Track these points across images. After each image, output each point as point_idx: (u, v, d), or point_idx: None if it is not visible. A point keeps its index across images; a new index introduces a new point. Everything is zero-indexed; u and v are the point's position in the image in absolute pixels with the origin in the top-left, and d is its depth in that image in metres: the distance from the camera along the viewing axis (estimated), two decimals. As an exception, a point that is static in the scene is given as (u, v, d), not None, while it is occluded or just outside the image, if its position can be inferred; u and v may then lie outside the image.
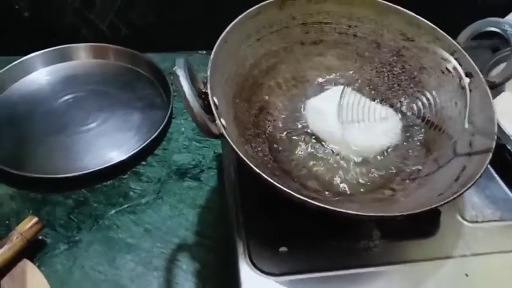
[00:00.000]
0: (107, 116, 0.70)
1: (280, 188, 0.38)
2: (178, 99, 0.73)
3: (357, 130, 0.51)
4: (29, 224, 0.52)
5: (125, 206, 0.60)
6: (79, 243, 0.55)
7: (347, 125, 0.52)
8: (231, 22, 0.49)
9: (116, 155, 0.64)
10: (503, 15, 0.79)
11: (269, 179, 0.38)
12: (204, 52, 0.82)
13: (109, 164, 0.62)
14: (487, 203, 0.53)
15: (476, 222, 0.51)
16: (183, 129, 0.70)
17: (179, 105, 0.73)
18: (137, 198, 0.61)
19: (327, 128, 0.52)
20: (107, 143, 0.67)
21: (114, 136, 0.68)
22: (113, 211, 0.59)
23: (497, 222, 0.51)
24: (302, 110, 0.55)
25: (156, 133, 0.66)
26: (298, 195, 0.38)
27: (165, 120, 0.68)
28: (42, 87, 0.74)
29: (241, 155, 0.40)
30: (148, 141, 0.65)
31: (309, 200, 0.38)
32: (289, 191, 0.38)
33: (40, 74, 0.75)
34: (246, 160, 0.39)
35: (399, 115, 0.54)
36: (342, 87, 0.53)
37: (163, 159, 0.66)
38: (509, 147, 0.54)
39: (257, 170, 0.39)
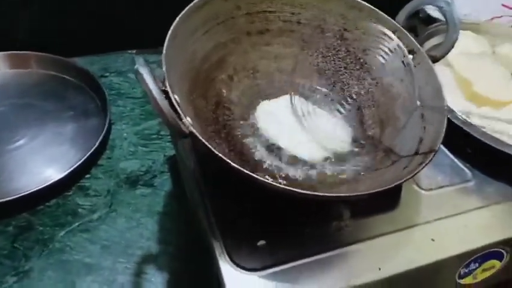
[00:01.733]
0: (37, 131, 0.64)
1: (260, 180, 0.37)
2: (114, 103, 0.69)
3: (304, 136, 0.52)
4: (-32, 260, 0.45)
5: (76, 224, 0.55)
6: (30, 273, 0.50)
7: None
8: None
9: (53, 172, 0.59)
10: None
11: (246, 171, 0.37)
12: (134, 51, 0.77)
13: (49, 182, 0.56)
14: (436, 171, 0.56)
15: (431, 189, 0.54)
16: (125, 134, 0.66)
17: (116, 109, 0.69)
18: (88, 215, 0.56)
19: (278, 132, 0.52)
20: (41, 160, 0.61)
21: (48, 151, 0.62)
22: (62, 232, 0.54)
23: (448, 187, 0.54)
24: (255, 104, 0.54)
25: (97, 142, 0.61)
26: (273, 183, 0.37)
27: (105, 127, 0.63)
28: (-46, 105, 0.65)
29: (214, 151, 0.38)
30: (89, 153, 0.60)
31: (289, 188, 0.37)
32: (271, 182, 0.37)
33: (-50, 89, 0.66)
34: (221, 155, 0.38)
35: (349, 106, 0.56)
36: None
37: (109, 169, 0.62)
38: (449, 116, 0.58)
39: (233, 165, 0.37)
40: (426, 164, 0.42)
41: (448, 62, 0.64)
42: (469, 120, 0.57)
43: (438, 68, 0.64)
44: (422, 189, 0.53)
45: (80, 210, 0.56)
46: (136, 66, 0.36)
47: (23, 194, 0.54)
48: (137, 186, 0.60)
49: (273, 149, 0.50)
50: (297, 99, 0.54)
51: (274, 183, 0.38)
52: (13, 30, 0.71)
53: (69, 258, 0.52)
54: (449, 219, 0.51)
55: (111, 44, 0.76)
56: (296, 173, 0.48)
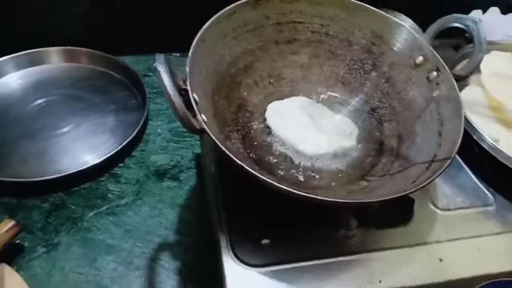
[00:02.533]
0: (81, 120, 0.70)
1: (262, 179, 0.39)
2: (153, 100, 0.74)
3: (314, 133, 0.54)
4: (5, 227, 0.51)
5: (104, 207, 0.59)
6: (58, 246, 0.55)
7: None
8: (204, 24, 0.50)
9: (92, 158, 0.64)
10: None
11: (251, 170, 0.39)
12: (178, 54, 0.82)
13: (86, 166, 0.61)
14: (457, 191, 0.55)
15: (448, 210, 0.53)
16: (160, 130, 0.71)
17: (155, 106, 0.73)
18: (116, 200, 0.60)
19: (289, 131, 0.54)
20: (82, 146, 0.66)
21: (89, 139, 0.67)
22: (91, 213, 0.59)
23: (467, 209, 0.53)
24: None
25: (133, 134, 0.66)
26: (278, 185, 0.39)
27: (141, 122, 0.68)
28: (13, 91, 0.72)
29: (222, 148, 0.40)
30: (125, 143, 0.65)
31: (288, 189, 0.39)
32: (270, 181, 0.39)
33: (11, 78, 0.74)
34: (228, 153, 0.40)
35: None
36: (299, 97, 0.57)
37: (141, 160, 0.66)
38: (475, 138, 0.57)
39: (239, 162, 0.39)
40: (432, 179, 0.42)
41: (481, 83, 0.62)
42: (497, 145, 0.55)
43: (471, 88, 0.64)
44: (438, 208, 0.53)
45: (109, 195, 0.61)
46: (155, 64, 0.39)
47: (61, 175, 0.60)
48: (164, 179, 0.64)
49: (287, 151, 0.52)
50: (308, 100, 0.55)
51: (276, 184, 0.40)
52: (70, 27, 0.78)
53: (94, 237, 0.56)
54: (461, 241, 0.50)
55: (158, 45, 0.80)
56: (306, 176, 0.50)
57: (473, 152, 0.58)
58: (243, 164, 0.39)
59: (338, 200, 0.40)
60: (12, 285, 0.49)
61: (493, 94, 0.60)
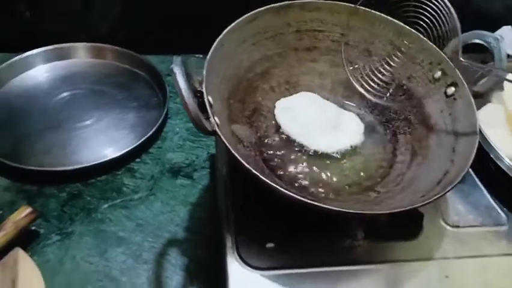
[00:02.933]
0: (103, 114, 0.72)
1: (268, 183, 0.40)
2: (173, 100, 0.75)
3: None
4: (22, 213, 0.53)
5: (118, 200, 0.61)
6: (71, 235, 0.57)
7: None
8: (227, 27, 0.51)
9: (111, 152, 0.66)
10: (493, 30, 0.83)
11: (258, 175, 0.40)
12: (201, 56, 0.83)
13: (104, 159, 0.63)
14: (469, 209, 0.54)
15: (458, 227, 0.52)
16: (178, 129, 0.72)
17: (174, 106, 0.75)
18: (130, 194, 0.62)
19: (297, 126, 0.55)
20: (102, 139, 0.68)
21: (109, 133, 0.69)
22: (106, 205, 0.60)
23: (478, 227, 0.53)
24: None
25: (151, 131, 0.67)
26: (283, 190, 0.39)
27: (160, 120, 0.69)
28: (41, 83, 0.75)
29: (232, 151, 0.41)
30: (143, 139, 0.66)
31: (294, 195, 0.39)
32: (276, 186, 0.39)
33: (39, 70, 0.77)
34: (237, 156, 0.41)
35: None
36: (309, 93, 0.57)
37: (157, 157, 0.67)
38: (492, 156, 0.56)
39: (247, 166, 0.40)
40: (440, 196, 0.42)
41: (502, 101, 0.61)
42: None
43: (492, 105, 0.63)
44: (448, 224, 0.52)
45: (124, 189, 0.63)
46: (171, 66, 0.40)
47: (80, 167, 0.62)
48: (178, 177, 0.65)
49: (298, 153, 0.52)
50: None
51: (283, 190, 0.41)
52: (99, 25, 0.81)
53: (106, 228, 0.58)
54: (469, 260, 0.49)
55: (183, 47, 0.82)
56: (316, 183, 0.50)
57: (489, 170, 0.57)
58: (250, 168, 0.40)
59: (343, 210, 0.41)
60: (25, 269, 0.51)
61: (513, 113, 0.59)
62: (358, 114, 0.58)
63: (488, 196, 0.56)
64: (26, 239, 0.55)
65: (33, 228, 0.56)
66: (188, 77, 0.44)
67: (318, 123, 0.54)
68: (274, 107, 0.56)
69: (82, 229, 0.57)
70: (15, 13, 0.77)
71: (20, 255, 0.52)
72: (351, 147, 0.54)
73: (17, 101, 0.72)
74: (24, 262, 0.51)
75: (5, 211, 0.58)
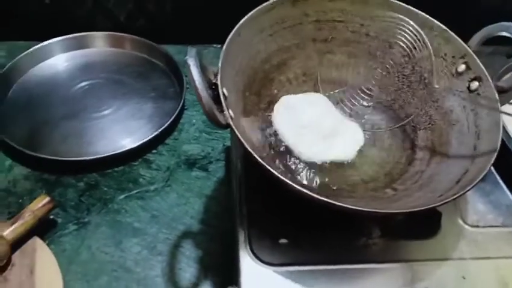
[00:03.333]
0: (121, 104, 0.72)
1: (281, 179, 0.39)
2: (190, 91, 0.75)
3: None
4: (41, 202, 0.53)
5: (135, 191, 0.61)
6: (88, 225, 0.57)
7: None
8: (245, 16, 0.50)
9: (128, 142, 0.66)
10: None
11: (271, 169, 0.39)
12: (219, 46, 0.82)
13: (121, 150, 0.64)
14: (490, 208, 0.53)
15: (477, 226, 0.51)
16: (194, 120, 0.72)
17: (191, 97, 0.75)
18: (147, 185, 0.62)
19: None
20: (120, 130, 0.69)
21: (127, 124, 0.69)
22: (122, 196, 0.61)
23: (498, 228, 0.51)
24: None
25: (168, 123, 0.67)
26: (297, 186, 0.39)
27: (177, 111, 0.69)
28: (60, 72, 0.76)
29: (245, 145, 0.41)
30: (160, 130, 0.66)
31: (307, 192, 0.39)
32: (289, 182, 0.39)
33: (58, 59, 0.77)
34: (250, 150, 0.40)
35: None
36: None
37: (173, 148, 0.68)
38: (517, 155, 0.54)
39: (259, 160, 0.40)
40: (459, 196, 0.41)
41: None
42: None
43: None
44: (467, 224, 0.51)
45: (141, 180, 0.63)
46: (186, 57, 0.40)
47: (97, 157, 0.62)
48: (194, 169, 0.65)
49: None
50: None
51: (295, 186, 0.40)
52: (117, 13, 0.80)
53: (122, 219, 0.58)
54: (488, 261, 0.48)
55: (201, 36, 0.82)
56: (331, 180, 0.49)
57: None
58: (263, 162, 0.40)
59: (357, 208, 0.40)
60: (42, 258, 0.52)
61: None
62: (376, 107, 0.57)
63: (510, 195, 0.54)
64: (44, 228, 0.55)
65: (51, 217, 0.57)
66: (203, 69, 0.44)
67: (313, 130, 0.53)
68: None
69: (98, 219, 0.58)
70: (35, 0, 0.77)
71: (37, 243, 0.53)
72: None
73: (36, 90, 0.73)
74: (41, 251, 0.52)
75: (25, 200, 0.59)
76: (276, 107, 0.54)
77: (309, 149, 0.51)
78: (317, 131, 0.52)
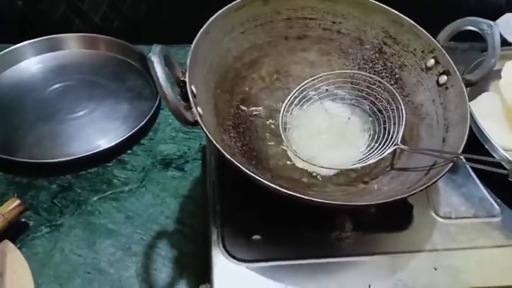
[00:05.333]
0: (96, 105, 0.71)
1: (250, 175, 0.39)
2: (167, 90, 0.74)
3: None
4: (11, 205, 0.53)
5: (109, 192, 0.61)
6: (61, 227, 0.56)
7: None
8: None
9: (102, 143, 0.65)
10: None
11: (240, 166, 0.39)
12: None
13: (95, 151, 0.63)
14: (462, 200, 0.53)
15: (450, 218, 0.51)
16: (171, 120, 0.71)
17: (168, 96, 0.74)
18: (121, 186, 0.62)
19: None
20: (94, 131, 0.68)
21: (102, 125, 0.69)
22: (96, 197, 0.60)
23: (470, 219, 0.52)
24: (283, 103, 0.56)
25: (143, 123, 0.67)
26: (266, 182, 0.39)
27: (152, 111, 0.69)
28: (33, 75, 0.75)
29: (214, 142, 0.41)
30: (134, 130, 0.66)
31: (277, 187, 0.39)
32: (258, 177, 0.39)
33: (31, 62, 0.76)
34: (219, 147, 0.40)
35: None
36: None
37: (149, 148, 0.67)
38: (486, 147, 0.55)
39: (229, 157, 0.40)
40: (426, 187, 0.41)
41: (499, 89, 0.60)
42: (509, 157, 0.53)
43: (489, 94, 0.61)
44: (439, 216, 0.51)
45: (115, 180, 0.62)
46: (149, 55, 0.40)
47: (70, 159, 0.61)
48: (169, 168, 0.64)
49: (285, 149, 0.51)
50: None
51: (265, 182, 0.40)
52: (92, 15, 0.80)
53: (95, 221, 0.57)
54: (461, 252, 0.48)
55: (177, 37, 0.81)
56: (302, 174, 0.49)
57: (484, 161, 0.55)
58: (231, 158, 0.40)
59: (326, 202, 0.40)
60: (12, 261, 0.51)
61: (510, 102, 0.57)
62: (348, 104, 0.57)
63: (482, 187, 0.55)
64: (15, 231, 0.54)
65: (23, 220, 0.56)
66: (171, 66, 0.44)
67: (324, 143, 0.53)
68: (271, 105, 0.55)
69: (72, 221, 0.57)
70: (6, 2, 0.76)
71: (8, 247, 0.52)
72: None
73: (9, 94, 0.71)
74: (12, 254, 0.51)
75: (-4, 203, 0.58)
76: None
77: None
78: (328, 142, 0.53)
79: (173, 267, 0.54)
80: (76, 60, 0.77)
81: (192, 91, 0.43)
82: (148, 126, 0.69)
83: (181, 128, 0.70)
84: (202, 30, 0.48)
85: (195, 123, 0.42)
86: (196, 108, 0.42)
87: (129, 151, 0.66)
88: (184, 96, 0.43)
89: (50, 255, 0.54)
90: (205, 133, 0.41)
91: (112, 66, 0.77)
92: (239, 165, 0.40)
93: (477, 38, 0.54)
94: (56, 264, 0.53)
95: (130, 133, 0.65)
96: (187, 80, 0.43)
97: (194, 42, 0.47)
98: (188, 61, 0.45)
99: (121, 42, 0.78)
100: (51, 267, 0.53)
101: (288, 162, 0.51)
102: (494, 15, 0.84)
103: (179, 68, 0.45)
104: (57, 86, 0.73)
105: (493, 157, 0.54)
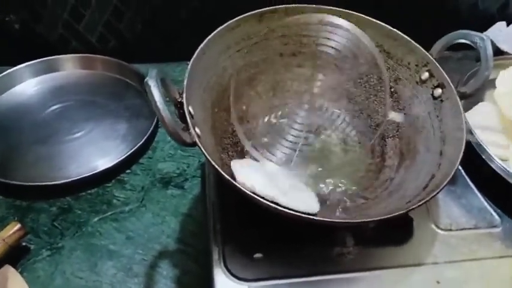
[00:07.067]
0: (94, 125, 0.71)
1: (250, 195, 0.39)
2: (164, 109, 0.75)
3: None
4: (11, 230, 0.53)
5: (109, 213, 0.61)
6: (62, 250, 0.56)
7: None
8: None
9: (101, 163, 0.65)
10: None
11: (240, 187, 0.40)
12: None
13: (94, 172, 0.63)
14: (462, 211, 0.54)
15: (450, 230, 0.51)
16: (169, 138, 0.71)
17: (165, 114, 0.74)
18: (121, 206, 0.62)
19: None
20: (93, 151, 0.68)
21: (100, 145, 0.69)
22: (96, 218, 0.60)
23: (471, 230, 0.52)
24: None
25: (141, 142, 0.67)
26: (265, 201, 0.39)
27: (151, 129, 0.69)
28: (30, 97, 0.75)
29: (212, 162, 0.41)
30: (133, 150, 0.66)
31: (276, 206, 0.39)
32: (257, 197, 0.39)
33: (28, 84, 0.77)
34: (216, 166, 0.41)
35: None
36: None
37: (148, 167, 0.67)
38: (484, 157, 0.55)
39: (227, 177, 0.40)
40: (425, 201, 0.41)
41: (494, 100, 0.60)
42: (506, 165, 0.53)
43: (484, 105, 0.62)
44: (440, 228, 0.51)
45: (115, 201, 0.62)
46: (146, 79, 0.40)
47: (69, 181, 0.61)
48: (169, 187, 0.64)
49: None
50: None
51: (262, 201, 0.40)
52: (89, 35, 0.80)
53: (96, 242, 0.57)
54: (462, 264, 0.48)
55: (172, 55, 0.82)
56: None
57: (482, 172, 0.56)
58: (229, 178, 0.40)
59: (327, 220, 0.40)
60: (14, 286, 0.50)
61: (505, 112, 0.58)
62: (345, 118, 0.57)
63: (481, 198, 0.55)
64: (16, 255, 0.54)
65: (23, 244, 0.56)
66: (167, 88, 0.44)
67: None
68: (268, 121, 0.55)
69: (73, 243, 0.57)
70: (3, 25, 0.77)
71: (9, 272, 0.52)
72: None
73: (6, 116, 0.72)
74: (13, 279, 0.51)
75: (-4, 227, 0.58)
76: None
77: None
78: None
79: (176, 287, 0.54)
80: (74, 81, 0.78)
81: (189, 112, 0.44)
82: (146, 145, 0.69)
83: (180, 146, 0.70)
84: (198, 50, 0.49)
85: (193, 144, 0.42)
86: (194, 129, 0.43)
87: (128, 170, 0.66)
88: (182, 117, 0.44)
89: (52, 278, 0.53)
90: (204, 154, 0.41)
91: (109, 85, 0.78)
92: (238, 184, 0.40)
93: (471, 47, 0.55)
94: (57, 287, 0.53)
95: (128, 152, 0.65)
96: (184, 101, 0.44)
97: (190, 63, 0.48)
98: (185, 82, 0.46)
99: (117, 61, 0.78)
100: (52, 291, 0.52)
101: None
102: (486, 23, 0.85)
103: (176, 88, 0.45)
104: (55, 107, 0.73)
105: (490, 167, 0.54)
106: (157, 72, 0.41)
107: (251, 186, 0.41)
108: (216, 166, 0.41)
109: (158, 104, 0.39)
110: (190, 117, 0.43)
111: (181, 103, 0.44)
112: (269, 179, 0.46)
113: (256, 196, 0.40)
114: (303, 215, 0.40)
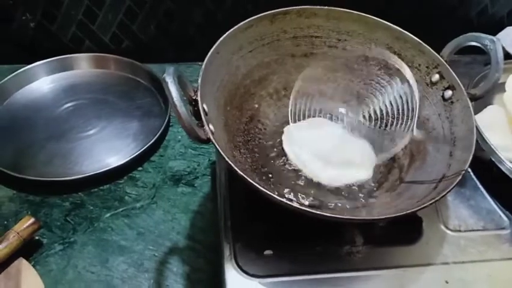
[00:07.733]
0: (106, 124, 0.72)
1: (261, 190, 0.40)
2: (175, 108, 0.76)
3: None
4: (26, 223, 0.53)
5: (120, 209, 0.62)
6: (74, 244, 0.57)
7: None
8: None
9: (113, 161, 0.66)
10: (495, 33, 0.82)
11: (251, 181, 0.40)
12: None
13: (106, 168, 0.64)
14: (471, 213, 0.54)
15: (459, 231, 0.52)
16: (180, 137, 0.73)
17: (176, 114, 0.75)
18: (132, 203, 0.63)
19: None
20: (105, 149, 0.69)
21: (112, 142, 0.70)
22: (108, 214, 0.61)
23: (480, 231, 0.52)
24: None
25: (153, 140, 0.68)
26: (277, 197, 0.39)
27: (162, 128, 0.70)
28: (44, 95, 0.76)
29: (226, 158, 0.42)
30: (145, 148, 0.67)
31: (288, 202, 0.40)
32: (270, 193, 0.39)
33: (43, 82, 0.78)
34: (231, 163, 0.41)
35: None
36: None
37: (159, 165, 0.68)
38: (493, 159, 0.55)
39: (240, 173, 0.40)
40: (435, 201, 0.42)
41: (503, 102, 0.61)
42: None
43: (494, 107, 0.62)
44: (449, 229, 0.52)
45: (126, 197, 0.63)
46: (163, 75, 0.41)
47: (82, 176, 0.63)
48: (180, 184, 0.65)
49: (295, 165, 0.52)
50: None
51: (275, 197, 0.41)
52: (102, 35, 0.82)
53: (108, 238, 0.58)
54: (470, 265, 0.49)
55: (184, 55, 0.83)
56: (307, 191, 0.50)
57: (491, 174, 0.56)
58: (243, 174, 0.40)
59: (337, 216, 0.41)
60: (27, 279, 0.51)
61: (514, 115, 0.58)
62: (355, 119, 0.58)
63: (490, 199, 0.55)
64: (29, 249, 0.55)
65: (36, 238, 0.57)
66: (183, 86, 0.45)
67: (326, 155, 0.53)
68: (279, 122, 0.56)
69: (84, 238, 0.58)
70: (19, 24, 0.78)
71: (23, 265, 0.53)
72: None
73: (21, 113, 0.73)
74: (27, 272, 0.52)
75: (10, 221, 0.59)
76: (284, 138, 0.55)
77: (325, 174, 0.51)
78: (331, 155, 0.53)
79: (185, 283, 0.54)
80: (87, 80, 0.79)
81: (203, 109, 0.44)
82: (158, 143, 0.70)
83: (190, 145, 0.71)
84: (212, 50, 0.50)
85: (207, 141, 0.43)
86: (208, 126, 0.43)
87: (140, 168, 0.67)
88: (196, 114, 0.45)
89: (64, 272, 0.54)
90: (218, 150, 0.42)
91: (121, 85, 0.79)
92: (251, 181, 0.40)
93: (480, 51, 0.56)
94: (69, 282, 0.54)
95: (140, 150, 0.66)
96: (199, 98, 0.45)
97: (204, 62, 0.49)
98: (199, 80, 0.46)
99: (130, 61, 0.79)
100: (65, 285, 0.53)
101: (297, 177, 0.52)
102: (496, 27, 0.85)
103: (191, 86, 0.46)
104: (68, 105, 0.75)
105: (500, 169, 0.55)
106: (174, 69, 0.41)
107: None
108: (229, 161, 0.41)
109: (175, 100, 0.39)
110: (205, 114, 0.44)
111: (196, 100, 0.45)
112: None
113: (268, 192, 0.41)
114: (315, 211, 0.41)
